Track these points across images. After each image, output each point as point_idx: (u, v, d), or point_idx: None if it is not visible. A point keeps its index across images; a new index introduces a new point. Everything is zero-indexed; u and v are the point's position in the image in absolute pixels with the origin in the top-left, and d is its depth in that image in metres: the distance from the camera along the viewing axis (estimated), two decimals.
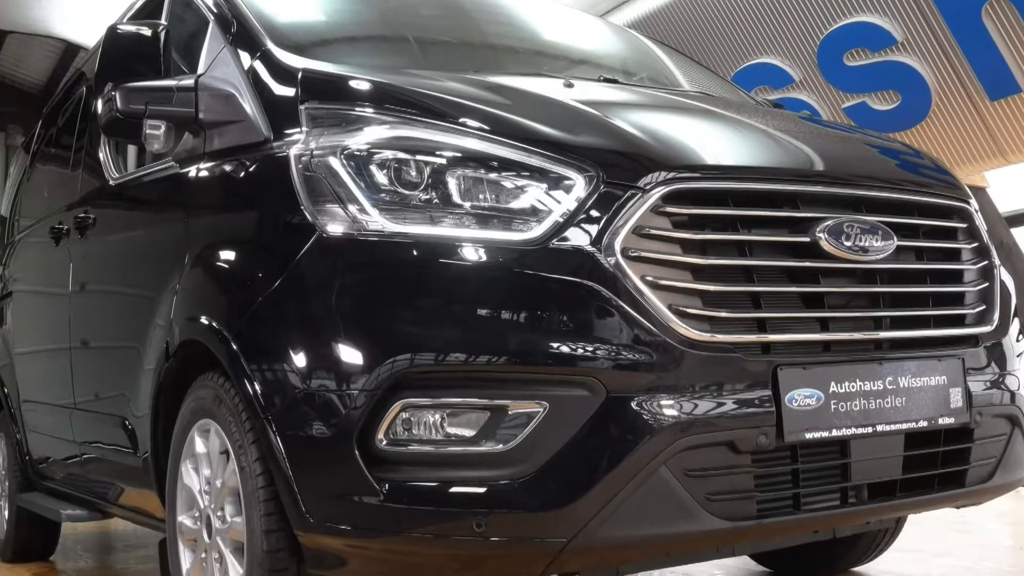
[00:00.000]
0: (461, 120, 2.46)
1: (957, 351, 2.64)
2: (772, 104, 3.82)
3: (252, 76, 2.85)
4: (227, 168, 2.84)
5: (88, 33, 11.42)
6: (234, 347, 2.53)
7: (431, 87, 2.64)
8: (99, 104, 3.04)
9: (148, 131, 2.94)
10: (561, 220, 2.31)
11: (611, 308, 2.26)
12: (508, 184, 2.37)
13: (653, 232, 2.30)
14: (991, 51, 7.90)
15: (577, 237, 2.29)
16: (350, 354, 2.31)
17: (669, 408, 2.24)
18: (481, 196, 2.36)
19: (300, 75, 2.72)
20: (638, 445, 2.21)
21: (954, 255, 2.75)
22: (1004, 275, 2.86)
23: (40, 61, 15.53)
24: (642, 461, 2.22)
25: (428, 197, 2.36)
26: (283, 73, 2.78)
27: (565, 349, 2.24)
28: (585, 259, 2.28)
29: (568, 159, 2.37)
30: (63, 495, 4.36)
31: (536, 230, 2.31)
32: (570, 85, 2.90)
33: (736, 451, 2.29)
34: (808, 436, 2.35)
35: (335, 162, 2.44)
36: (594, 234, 2.29)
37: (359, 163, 2.42)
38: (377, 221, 2.35)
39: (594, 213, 2.31)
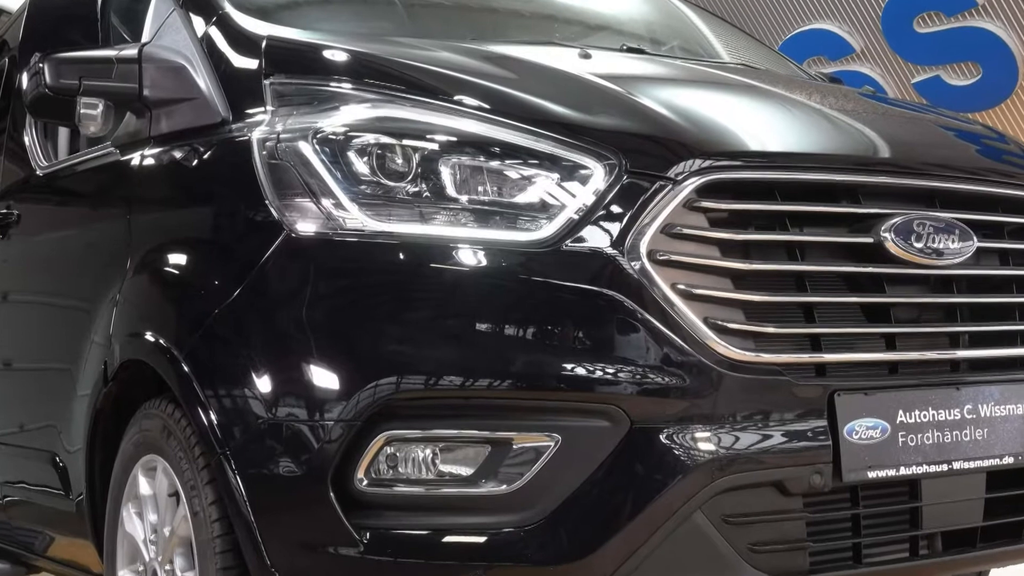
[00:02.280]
0: (456, 98, 2.46)
1: None
2: (828, 79, 3.83)
3: (207, 45, 2.86)
4: (177, 155, 2.84)
5: None
6: (185, 368, 2.53)
7: (420, 58, 2.65)
8: (24, 78, 3.05)
9: (83, 111, 2.94)
10: (576, 217, 2.31)
11: (635, 322, 2.26)
12: (512, 174, 2.37)
13: (686, 231, 2.31)
14: None
15: (595, 237, 2.30)
16: (324, 377, 2.31)
17: (705, 442, 2.24)
18: (480, 188, 2.37)
19: (264, 44, 2.72)
20: (668, 486, 2.21)
21: None
22: None
23: None
24: (673, 505, 2.22)
25: (417, 190, 2.37)
26: (244, 42, 2.79)
27: (580, 371, 2.24)
28: (604, 264, 2.28)
29: (584, 144, 2.37)
30: None
31: (546, 229, 2.32)
32: (587, 56, 2.91)
33: (785, 493, 2.30)
34: (871, 475, 2.35)
35: (306, 148, 2.44)
36: (615, 234, 2.29)
37: (335, 149, 2.42)
38: (356, 218, 2.36)
39: (615, 209, 2.31)
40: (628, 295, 2.26)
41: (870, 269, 2.45)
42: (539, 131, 2.39)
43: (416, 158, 2.38)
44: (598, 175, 2.34)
